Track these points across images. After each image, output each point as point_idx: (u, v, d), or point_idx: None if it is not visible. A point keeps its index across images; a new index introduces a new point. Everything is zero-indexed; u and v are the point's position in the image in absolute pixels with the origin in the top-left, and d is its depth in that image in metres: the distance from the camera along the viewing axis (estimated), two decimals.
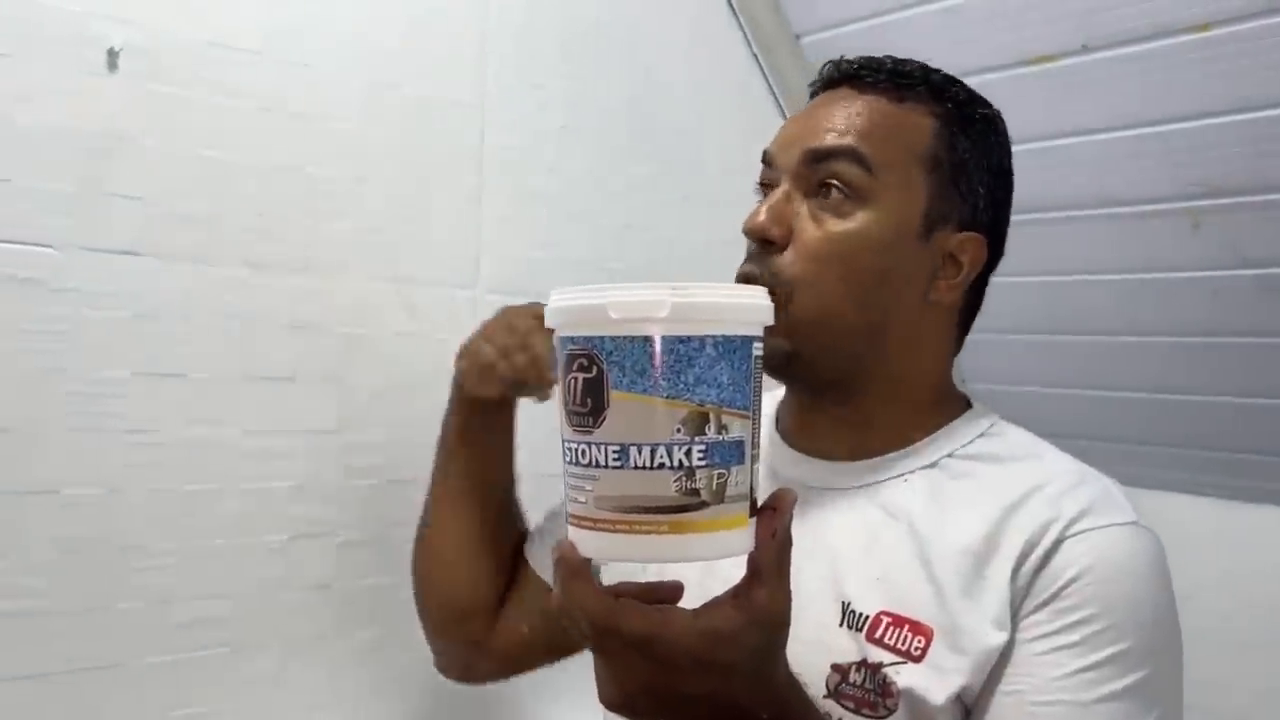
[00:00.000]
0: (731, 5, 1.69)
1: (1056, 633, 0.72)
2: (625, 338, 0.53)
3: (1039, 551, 0.74)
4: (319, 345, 1.21)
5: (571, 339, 0.55)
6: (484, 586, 1.03)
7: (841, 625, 0.77)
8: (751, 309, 0.56)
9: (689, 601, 0.60)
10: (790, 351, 0.79)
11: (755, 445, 0.56)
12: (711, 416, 0.53)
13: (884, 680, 0.74)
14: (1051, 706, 0.70)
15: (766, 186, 0.85)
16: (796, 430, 0.89)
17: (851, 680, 0.75)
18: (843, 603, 0.77)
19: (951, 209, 0.82)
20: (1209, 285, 1.53)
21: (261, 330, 1.15)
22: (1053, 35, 1.43)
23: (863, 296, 0.80)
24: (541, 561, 1.01)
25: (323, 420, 1.21)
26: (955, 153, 0.82)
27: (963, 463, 0.82)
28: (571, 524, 0.57)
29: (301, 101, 1.20)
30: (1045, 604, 0.73)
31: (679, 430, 0.53)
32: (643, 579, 0.63)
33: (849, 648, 0.76)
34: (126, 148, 1.07)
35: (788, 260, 0.79)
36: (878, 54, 0.85)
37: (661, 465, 0.53)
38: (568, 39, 1.48)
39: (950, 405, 0.87)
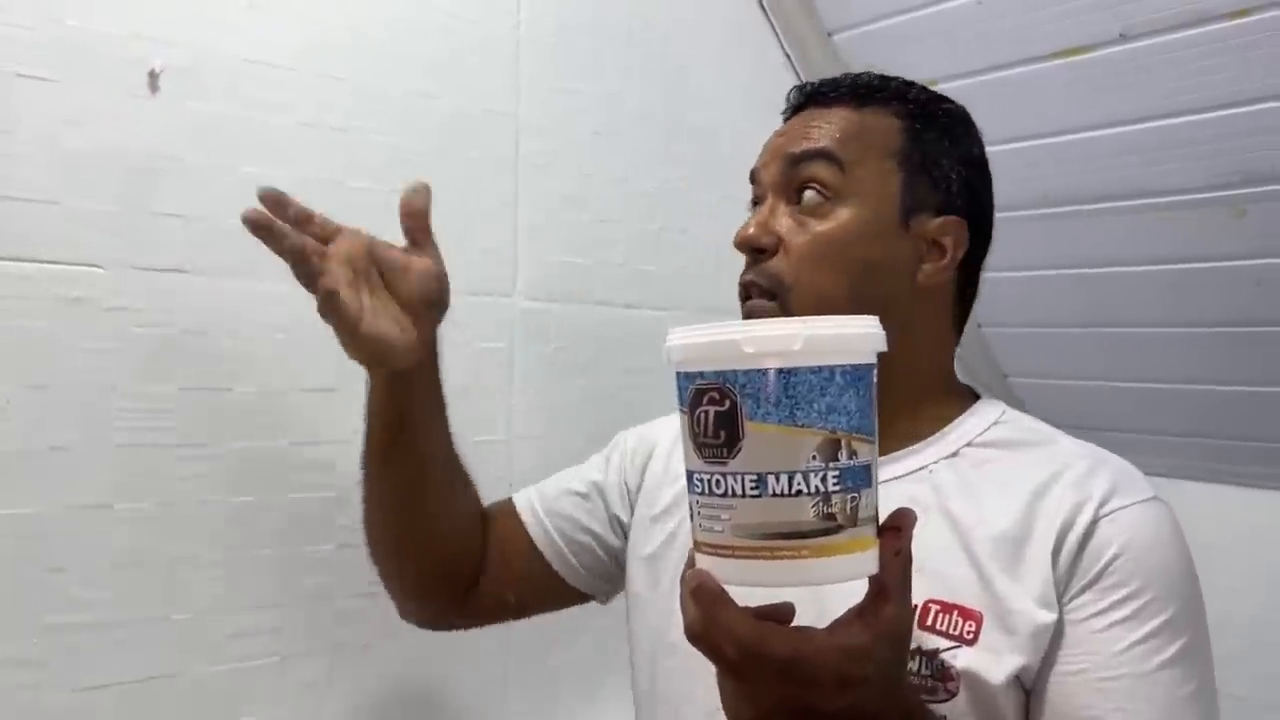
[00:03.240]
0: (763, 5, 1.69)
1: (1108, 609, 0.76)
2: (759, 370, 0.55)
3: (1076, 534, 0.77)
4: None
5: (700, 374, 0.57)
6: (473, 546, 1.02)
7: None
8: (873, 338, 0.59)
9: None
10: None
11: (876, 468, 0.60)
12: (843, 443, 0.56)
13: (942, 665, 0.76)
14: (1118, 680, 0.74)
15: (756, 204, 0.91)
16: None
17: (909, 669, 0.76)
18: None
19: (926, 197, 0.87)
20: (1253, 274, 1.51)
21: (305, 342, 1.17)
22: (1088, 25, 1.41)
23: (855, 288, 0.84)
24: (546, 540, 1.02)
25: None
26: (923, 145, 0.87)
27: (982, 450, 0.86)
28: (706, 552, 0.59)
29: (339, 115, 1.21)
30: (1091, 584, 0.76)
31: (814, 458, 0.55)
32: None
33: None
34: (170, 167, 1.09)
35: (781, 263, 0.84)
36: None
37: (799, 492, 0.55)
38: (600, 44, 1.49)
39: (961, 397, 0.91)
